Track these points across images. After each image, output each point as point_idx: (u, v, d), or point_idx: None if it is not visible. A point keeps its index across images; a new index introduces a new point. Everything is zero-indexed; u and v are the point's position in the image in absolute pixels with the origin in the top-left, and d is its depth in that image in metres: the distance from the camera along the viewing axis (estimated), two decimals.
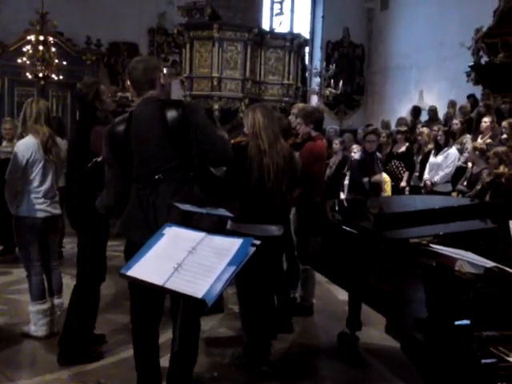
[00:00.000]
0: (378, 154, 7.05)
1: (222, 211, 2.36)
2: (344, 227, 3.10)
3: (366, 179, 6.53)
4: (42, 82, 11.46)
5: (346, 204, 4.78)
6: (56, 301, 4.09)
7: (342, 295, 4.64)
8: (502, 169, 5.78)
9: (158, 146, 2.72)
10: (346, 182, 7.09)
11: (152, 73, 2.85)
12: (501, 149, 6.11)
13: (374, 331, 4.08)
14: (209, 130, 2.81)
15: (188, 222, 2.42)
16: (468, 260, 2.23)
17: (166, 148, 2.72)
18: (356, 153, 7.19)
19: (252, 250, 2.08)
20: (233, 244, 2.10)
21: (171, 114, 2.73)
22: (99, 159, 3.31)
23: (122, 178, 2.81)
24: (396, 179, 7.82)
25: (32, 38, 11.07)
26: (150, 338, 2.85)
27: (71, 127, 4.03)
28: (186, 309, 2.62)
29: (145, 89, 2.83)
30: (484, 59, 10.42)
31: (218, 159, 2.88)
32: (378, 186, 6.62)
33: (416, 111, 11.29)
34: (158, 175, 2.70)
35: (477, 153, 6.54)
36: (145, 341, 2.85)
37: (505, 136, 7.32)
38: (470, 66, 10.66)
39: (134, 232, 2.72)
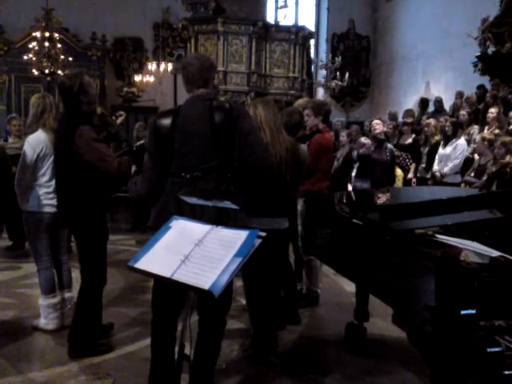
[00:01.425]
0: (390, 145, 7.13)
1: (228, 204, 2.38)
2: (351, 219, 3.11)
3: (354, 152, 6.79)
4: (49, 78, 11.50)
5: (353, 196, 4.78)
6: (66, 294, 4.14)
7: (349, 286, 4.66)
8: (508, 158, 5.77)
9: (201, 144, 2.75)
10: (354, 173, 7.10)
11: (207, 72, 2.88)
12: (508, 139, 6.09)
13: (382, 322, 4.10)
14: (252, 137, 2.83)
15: (224, 220, 2.44)
16: (473, 250, 2.24)
17: (208, 147, 2.75)
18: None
19: (258, 241, 2.10)
20: (239, 236, 2.13)
21: (219, 114, 2.76)
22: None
23: (159, 169, 2.84)
24: (403, 171, 7.82)
25: (37, 34, 11.11)
26: (169, 330, 2.86)
27: (58, 122, 3.85)
28: (212, 305, 2.66)
29: (197, 86, 2.87)
30: (491, 49, 10.36)
31: (255, 165, 2.87)
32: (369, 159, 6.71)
33: (424, 103, 11.25)
34: (196, 172, 2.73)
35: (485, 143, 6.53)
36: (163, 332, 2.87)
37: None
38: (477, 57, 10.61)
39: None
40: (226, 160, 2.77)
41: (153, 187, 2.89)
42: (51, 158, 3.86)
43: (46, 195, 3.88)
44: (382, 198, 4.34)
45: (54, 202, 3.84)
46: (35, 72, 11.30)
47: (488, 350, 1.97)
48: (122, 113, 4.46)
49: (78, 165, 3.44)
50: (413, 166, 7.85)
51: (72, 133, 3.42)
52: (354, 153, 7.08)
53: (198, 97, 2.86)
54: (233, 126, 2.76)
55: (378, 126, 6.99)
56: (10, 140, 6.80)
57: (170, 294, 2.80)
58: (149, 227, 2.93)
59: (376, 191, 5.08)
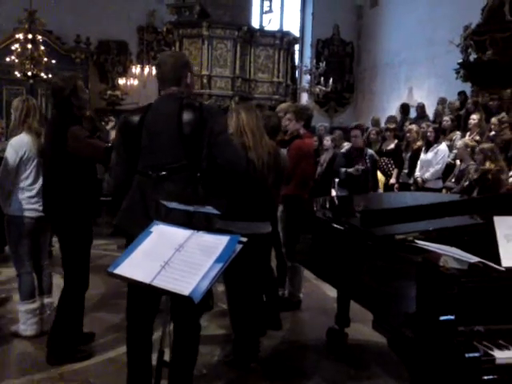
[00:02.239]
0: (370, 151, 6.86)
1: (209, 209, 2.37)
2: (331, 224, 3.12)
3: (343, 169, 6.44)
4: (31, 81, 11.41)
5: (334, 201, 4.80)
6: (46, 300, 4.08)
7: (331, 291, 4.67)
8: (488, 165, 5.84)
9: (169, 143, 2.72)
10: (337, 179, 7.12)
11: (181, 70, 2.85)
12: (486, 145, 6.17)
13: (363, 327, 4.10)
14: (222, 137, 2.78)
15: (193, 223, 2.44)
16: (453, 255, 2.25)
17: (175, 146, 2.71)
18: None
19: (239, 247, 2.10)
20: (220, 241, 2.12)
21: (188, 113, 2.72)
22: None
23: (125, 166, 2.82)
24: (385, 176, 7.87)
25: (20, 36, 11.02)
26: (144, 336, 2.84)
27: (47, 124, 3.85)
28: (186, 309, 2.64)
29: (169, 84, 2.84)
30: (473, 56, 10.49)
31: (226, 166, 2.84)
32: (356, 178, 6.36)
33: (405, 108, 11.35)
34: (163, 172, 2.70)
35: (468, 149, 6.60)
36: (138, 338, 2.84)
37: (493, 133, 7.39)
38: (459, 63, 10.73)
39: (134, 225, 2.60)
40: (195, 160, 2.73)
41: (119, 184, 2.87)
42: (34, 162, 3.82)
43: (28, 199, 3.83)
44: (364, 204, 4.36)
45: (36, 206, 3.80)
46: (18, 74, 11.20)
47: (466, 355, 1.98)
48: (112, 118, 4.45)
49: (68, 166, 3.43)
50: (395, 172, 7.90)
51: (63, 133, 3.41)
52: (342, 170, 6.53)
53: (169, 95, 2.83)
54: (202, 126, 2.71)
55: (357, 139, 6.60)
56: None
57: (145, 300, 2.77)
58: (114, 225, 2.91)
59: (358, 197, 5.11)
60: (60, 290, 3.65)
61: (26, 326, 3.95)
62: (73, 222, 3.50)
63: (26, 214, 3.83)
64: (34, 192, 3.83)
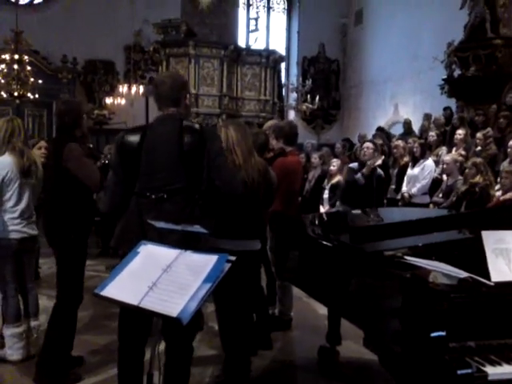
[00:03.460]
0: (378, 170, 6.37)
1: (197, 228, 2.35)
2: (320, 241, 3.11)
3: (359, 174, 6.04)
4: (18, 101, 11.38)
5: (323, 218, 4.79)
6: (32, 323, 4.01)
7: (322, 309, 4.64)
8: (477, 178, 5.88)
9: (168, 165, 2.70)
10: (326, 195, 7.13)
11: (179, 91, 2.85)
12: (478, 160, 6.22)
13: (354, 345, 4.06)
14: (220, 159, 2.79)
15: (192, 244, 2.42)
16: (442, 271, 2.25)
17: (175, 168, 2.70)
18: (335, 167, 7.17)
19: (227, 266, 2.08)
20: (208, 261, 2.09)
21: (189, 135, 2.71)
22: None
23: (122, 187, 2.79)
24: None
25: (7, 56, 11.03)
26: (136, 358, 2.80)
27: (49, 144, 3.96)
28: (178, 331, 2.60)
29: (168, 105, 2.82)
30: (457, 72, 10.64)
31: (223, 188, 2.84)
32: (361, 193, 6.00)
33: (381, 130, 11.42)
34: (161, 193, 2.67)
35: (457, 164, 6.66)
36: (130, 360, 2.80)
37: (479, 148, 7.46)
38: (444, 79, 10.87)
39: (132, 247, 2.48)
40: (193, 182, 2.72)
41: (116, 204, 2.84)
42: (17, 183, 3.80)
43: (11, 221, 3.79)
44: (353, 220, 4.36)
45: (19, 227, 3.77)
46: (4, 95, 11.16)
47: (458, 372, 1.96)
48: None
49: (67, 182, 3.47)
50: None
51: (60, 149, 3.47)
52: (359, 175, 6.12)
53: (168, 116, 2.82)
54: (202, 148, 2.72)
55: (369, 150, 6.19)
56: None
57: (137, 322, 2.73)
58: (111, 247, 2.88)
59: (348, 213, 5.10)
60: (47, 313, 3.59)
61: (12, 351, 3.87)
62: (71, 238, 3.50)
63: (10, 235, 3.79)
64: (16, 214, 3.80)
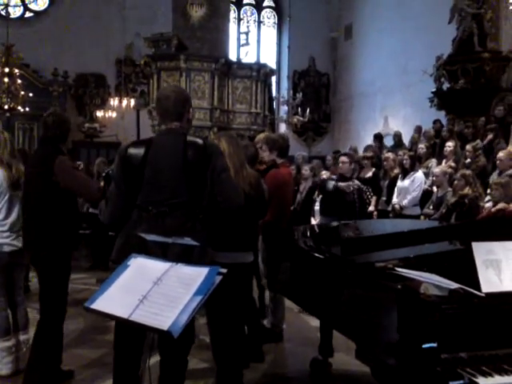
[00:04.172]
0: (356, 181, 6.38)
1: (188, 240, 2.35)
2: (311, 253, 3.11)
3: (332, 182, 6.00)
4: (8, 114, 11.36)
5: (314, 230, 4.80)
6: (22, 337, 3.96)
7: (314, 321, 4.63)
8: (466, 190, 5.93)
9: (172, 179, 2.69)
10: (317, 207, 7.13)
11: (182, 105, 2.84)
12: (467, 172, 6.28)
13: (347, 357, 4.05)
14: (224, 175, 2.79)
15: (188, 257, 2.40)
16: (433, 282, 2.25)
17: (178, 182, 2.69)
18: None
19: (218, 278, 2.07)
20: (199, 273, 2.09)
21: (193, 150, 2.71)
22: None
23: (123, 199, 2.77)
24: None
25: None
26: (131, 370, 2.77)
27: (31, 157, 3.91)
28: (173, 345, 2.58)
29: (171, 119, 2.82)
30: (446, 85, 10.76)
31: (224, 203, 2.83)
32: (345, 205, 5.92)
33: (378, 137, 11.49)
34: (163, 208, 2.66)
35: (447, 176, 6.70)
36: (126, 372, 2.78)
37: (469, 160, 7.53)
38: (433, 92, 10.99)
39: None
40: (196, 197, 2.72)
41: (116, 216, 2.83)
42: (6, 196, 3.77)
43: (1, 234, 3.76)
44: (344, 232, 4.36)
45: (8, 240, 3.74)
46: None
47: (450, 383, 1.96)
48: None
49: (52, 197, 3.44)
50: (373, 199, 7.95)
51: (50, 163, 3.42)
52: (331, 182, 6.08)
53: (171, 130, 2.82)
54: (205, 163, 2.71)
55: (345, 164, 6.15)
56: None
57: (133, 334, 2.71)
58: (111, 260, 2.86)
59: (339, 224, 5.11)
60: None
61: (1, 365, 3.83)
62: (53, 255, 3.45)
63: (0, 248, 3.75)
64: (6, 227, 3.77)
